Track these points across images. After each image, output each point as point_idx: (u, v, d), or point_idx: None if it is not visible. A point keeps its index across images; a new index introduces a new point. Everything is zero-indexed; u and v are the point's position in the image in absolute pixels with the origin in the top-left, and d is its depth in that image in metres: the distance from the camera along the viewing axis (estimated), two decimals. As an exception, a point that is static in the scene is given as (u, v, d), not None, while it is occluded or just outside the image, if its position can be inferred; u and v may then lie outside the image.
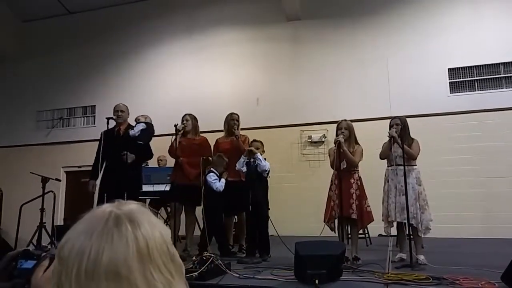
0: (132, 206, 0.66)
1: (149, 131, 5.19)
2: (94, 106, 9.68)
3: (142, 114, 5.38)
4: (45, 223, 5.83)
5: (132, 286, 0.58)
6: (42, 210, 5.88)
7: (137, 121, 5.23)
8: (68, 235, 0.63)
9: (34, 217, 5.80)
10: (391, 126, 4.42)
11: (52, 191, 6.10)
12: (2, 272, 0.77)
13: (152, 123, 5.35)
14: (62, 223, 8.89)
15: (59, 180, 7.00)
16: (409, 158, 4.26)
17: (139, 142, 4.98)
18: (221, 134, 5.53)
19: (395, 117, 4.55)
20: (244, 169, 4.74)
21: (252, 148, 4.72)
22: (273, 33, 8.62)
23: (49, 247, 5.28)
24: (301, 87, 8.23)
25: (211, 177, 4.99)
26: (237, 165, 4.83)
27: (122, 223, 0.61)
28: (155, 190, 6.31)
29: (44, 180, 6.02)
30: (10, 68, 10.38)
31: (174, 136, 5.13)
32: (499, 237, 6.31)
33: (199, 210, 5.16)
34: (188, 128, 5.20)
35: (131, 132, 5.02)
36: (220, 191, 4.96)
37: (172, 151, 5.17)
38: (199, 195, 5.01)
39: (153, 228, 0.63)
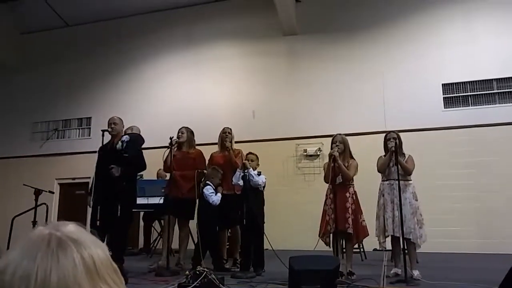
0: (70, 226, 0.66)
1: (136, 142, 5.13)
2: (90, 118, 9.67)
3: (131, 125, 5.37)
4: (37, 236, 5.75)
5: None
6: (34, 222, 5.80)
7: (124, 133, 5.21)
8: (5, 259, 0.61)
9: (26, 230, 5.74)
10: (387, 140, 4.43)
11: (45, 203, 6.04)
12: None
13: (140, 133, 5.32)
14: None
15: (52, 193, 6.92)
16: (405, 173, 4.27)
17: (125, 154, 4.94)
18: (217, 147, 5.52)
19: (391, 131, 4.57)
20: (241, 182, 4.71)
21: (245, 162, 4.71)
22: (270, 47, 8.71)
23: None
24: (297, 101, 8.28)
25: (208, 190, 4.97)
26: (233, 179, 4.81)
27: (66, 245, 0.62)
28: (149, 202, 6.26)
29: (37, 192, 5.95)
30: (7, 79, 10.39)
31: (168, 149, 5.11)
32: (494, 252, 6.29)
33: (193, 224, 5.12)
34: (182, 140, 5.17)
35: (118, 146, 5.00)
36: (216, 205, 4.93)
37: (166, 165, 5.14)
38: (193, 208, 4.98)
39: (95, 245, 0.65)
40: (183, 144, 5.18)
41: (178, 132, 5.23)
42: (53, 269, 0.58)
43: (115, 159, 4.88)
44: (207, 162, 5.34)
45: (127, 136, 5.08)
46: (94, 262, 0.62)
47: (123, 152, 4.91)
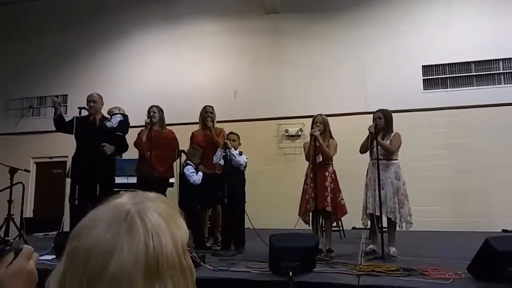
0: (149, 204, 0.61)
1: (126, 122, 5.12)
2: (66, 95, 9.39)
3: (115, 106, 5.27)
4: (13, 215, 5.64)
5: None
6: (10, 201, 5.68)
7: (111, 113, 5.12)
8: (82, 225, 0.61)
9: (1, 209, 5.62)
10: (373, 120, 4.44)
11: (21, 182, 5.90)
12: None
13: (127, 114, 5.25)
14: (31, 215, 8.64)
15: (28, 171, 6.77)
16: (387, 153, 4.30)
17: (118, 133, 4.91)
18: (198, 127, 5.47)
19: (378, 110, 4.52)
20: (222, 162, 4.69)
21: (227, 142, 4.68)
22: (251, 25, 8.57)
23: (12, 241, 5.10)
24: (279, 80, 8.24)
25: (189, 170, 4.95)
26: (214, 158, 4.78)
27: (135, 230, 0.57)
28: (129, 182, 6.20)
29: (12, 170, 5.81)
30: (-23, 54, 9.93)
31: (142, 129, 5.04)
32: (468, 230, 6.52)
33: (174, 203, 5.10)
34: (155, 120, 5.05)
35: (109, 124, 4.92)
36: (197, 184, 4.92)
37: (140, 145, 5.04)
38: (165, 187, 4.98)
39: (166, 236, 0.59)
40: (156, 123, 5.06)
41: (150, 112, 5.10)
42: (114, 257, 0.55)
43: (105, 137, 4.84)
44: (188, 140, 5.30)
45: (121, 115, 5.03)
46: (157, 259, 0.57)
47: (116, 131, 4.89)
